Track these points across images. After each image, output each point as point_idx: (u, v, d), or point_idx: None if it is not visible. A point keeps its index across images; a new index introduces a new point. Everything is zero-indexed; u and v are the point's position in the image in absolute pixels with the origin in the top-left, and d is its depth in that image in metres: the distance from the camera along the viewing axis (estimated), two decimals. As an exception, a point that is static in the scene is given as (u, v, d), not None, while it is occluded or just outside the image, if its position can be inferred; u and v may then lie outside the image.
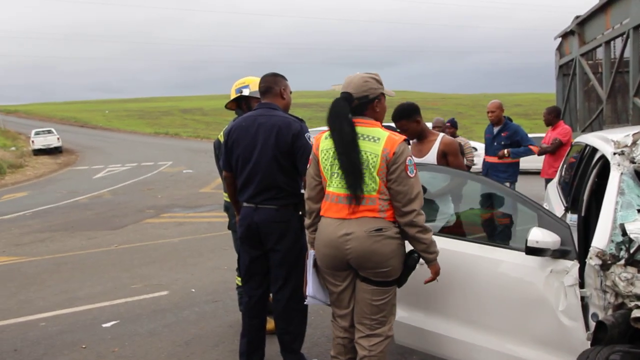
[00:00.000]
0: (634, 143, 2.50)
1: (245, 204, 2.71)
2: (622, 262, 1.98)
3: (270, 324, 3.48)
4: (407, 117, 3.24)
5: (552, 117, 5.73)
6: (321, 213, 2.32)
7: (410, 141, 3.32)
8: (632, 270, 1.95)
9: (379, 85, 2.31)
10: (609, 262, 2.00)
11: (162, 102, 72.23)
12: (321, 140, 2.32)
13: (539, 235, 2.11)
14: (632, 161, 2.40)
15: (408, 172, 2.17)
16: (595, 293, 2.04)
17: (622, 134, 2.63)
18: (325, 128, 2.30)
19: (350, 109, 2.23)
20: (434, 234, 2.30)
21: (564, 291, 2.16)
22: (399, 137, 2.22)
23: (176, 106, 62.66)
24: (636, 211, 2.13)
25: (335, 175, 2.25)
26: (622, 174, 2.34)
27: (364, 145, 2.19)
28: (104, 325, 3.84)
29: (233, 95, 3.34)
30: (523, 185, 6.70)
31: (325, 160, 2.28)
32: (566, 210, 3.27)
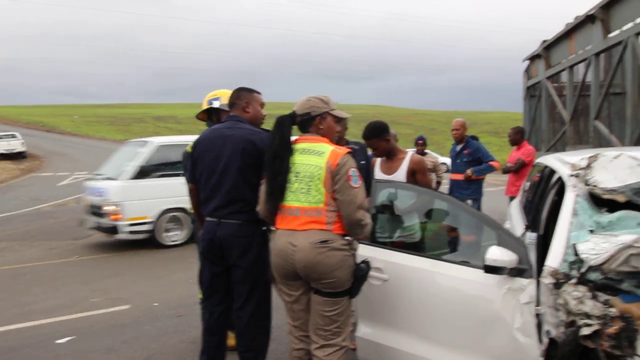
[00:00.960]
0: (589, 166, 2.60)
1: (208, 218, 2.67)
2: (574, 281, 2.04)
3: (232, 340, 3.43)
4: (378, 136, 3.30)
5: (518, 137, 5.91)
6: (276, 226, 2.43)
7: (379, 159, 3.38)
8: (582, 289, 2.00)
9: (324, 105, 2.47)
10: (562, 281, 2.06)
11: (135, 108, 71.00)
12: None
13: (497, 254, 2.16)
14: (587, 183, 2.50)
15: (351, 182, 2.30)
16: (549, 311, 2.09)
17: (578, 157, 2.74)
18: None
19: (294, 124, 2.42)
20: (398, 251, 2.43)
21: (520, 309, 2.21)
22: (343, 150, 2.37)
23: (150, 113, 61.67)
24: (588, 232, 2.20)
25: (287, 189, 2.36)
26: (576, 195, 2.43)
27: (310, 159, 2.34)
28: (58, 342, 3.69)
29: (204, 107, 3.32)
30: (489, 202, 6.86)
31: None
32: (526, 228, 3.36)
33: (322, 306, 2.33)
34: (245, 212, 2.58)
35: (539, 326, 2.15)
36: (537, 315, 2.14)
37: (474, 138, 5.85)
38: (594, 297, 1.96)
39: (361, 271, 2.38)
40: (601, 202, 2.41)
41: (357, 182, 2.32)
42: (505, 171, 5.81)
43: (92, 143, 34.25)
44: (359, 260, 2.44)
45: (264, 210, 2.46)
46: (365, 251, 2.73)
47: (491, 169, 5.22)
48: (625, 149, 2.97)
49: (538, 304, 2.14)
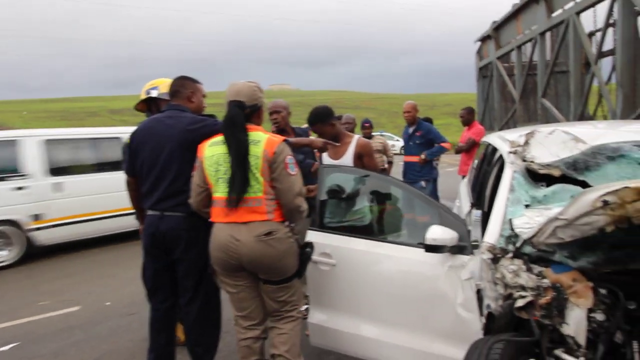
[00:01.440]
0: (526, 143, 2.67)
1: (149, 212, 2.57)
2: (510, 255, 2.09)
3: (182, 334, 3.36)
4: (322, 121, 3.27)
5: (469, 117, 6.03)
6: (212, 219, 2.39)
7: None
8: (518, 262, 2.05)
9: (262, 95, 2.49)
10: (499, 255, 2.10)
11: (89, 102, 68.13)
12: (206, 147, 2.38)
13: (437, 233, 2.19)
14: (524, 159, 2.56)
15: (288, 169, 2.32)
16: (488, 285, 2.14)
17: (517, 134, 2.81)
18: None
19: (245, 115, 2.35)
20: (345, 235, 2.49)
21: (462, 285, 2.25)
22: (278, 138, 2.37)
23: (104, 106, 59.43)
24: (524, 207, 2.26)
25: (222, 180, 2.32)
26: (514, 171, 2.48)
27: (249, 149, 2.31)
28: (1, 349, 3.51)
29: (142, 97, 3.19)
30: (445, 182, 6.99)
31: (210, 166, 2.34)
32: (472, 206, 3.43)
33: (275, 293, 2.40)
34: (186, 204, 2.50)
35: (480, 301, 2.20)
36: (479, 291, 2.19)
37: (428, 120, 5.92)
38: (529, 270, 2.01)
39: (306, 254, 2.48)
40: (539, 177, 2.48)
41: (294, 170, 2.35)
42: (458, 151, 5.94)
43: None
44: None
45: (198, 202, 2.41)
46: (313, 236, 2.72)
47: (443, 150, 5.30)
48: (563, 125, 3.07)
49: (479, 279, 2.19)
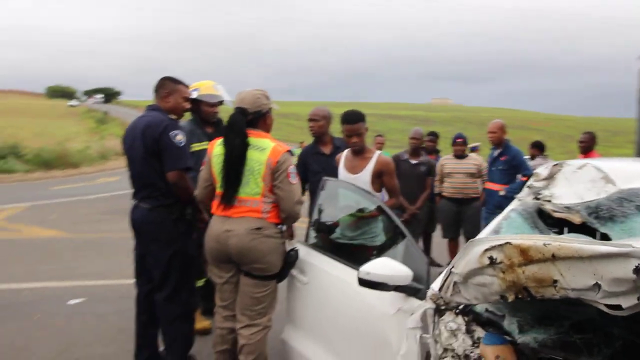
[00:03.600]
0: (551, 176, 2.15)
1: (132, 200, 2.81)
2: (457, 309, 1.69)
3: (200, 323, 3.52)
4: (363, 120, 3.03)
5: (589, 144, 5.06)
6: (212, 211, 2.55)
7: (345, 155, 3.13)
8: (459, 321, 1.65)
9: (268, 101, 2.58)
10: (442, 307, 1.72)
11: (263, 106, 75.66)
12: (215, 146, 2.55)
13: (373, 266, 1.87)
14: (537, 197, 2.06)
15: (290, 179, 2.46)
16: (432, 340, 1.77)
17: (550, 165, 2.27)
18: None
19: (246, 122, 2.48)
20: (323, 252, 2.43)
21: (406, 334, 1.90)
22: (283, 148, 2.50)
23: (277, 111, 65.47)
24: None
25: (221, 177, 2.48)
26: (511, 209, 2.03)
27: (252, 155, 2.44)
28: (70, 302, 4.14)
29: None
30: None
31: (217, 164, 2.50)
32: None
33: (252, 288, 2.48)
34: (154, 197, 2.63)
35: (427, 357, 1.82)
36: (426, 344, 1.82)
37: (540, 146, 5.16)
38: (468, 332, 1.61)
39: (290, 257, 2.52)
40: (554, 221, 1.97)
41: (295, 179, 2.48)
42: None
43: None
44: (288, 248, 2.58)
45: (203, 195, 2.61)
46: (301, 250, 2.61)
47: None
48: (599, 159, 2.36)
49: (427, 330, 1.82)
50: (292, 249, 2.55)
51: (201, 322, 3.54)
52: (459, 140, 5.04)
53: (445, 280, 1.45)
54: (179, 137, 2.64)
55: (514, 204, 2.04)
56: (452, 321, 1.67)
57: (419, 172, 4.87)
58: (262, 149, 2.44)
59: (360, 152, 3.04)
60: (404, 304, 1.94)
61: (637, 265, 0.88)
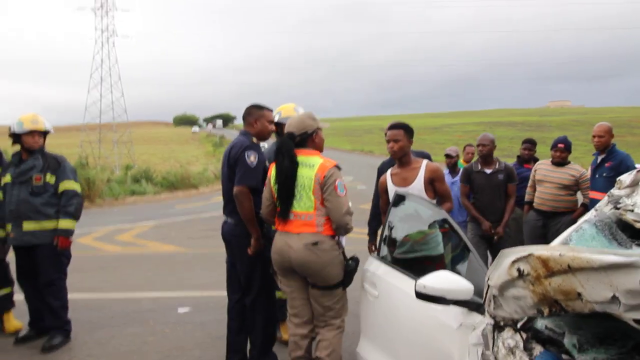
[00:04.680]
0: (635, 183, 1.93)
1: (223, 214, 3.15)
2: (516, 326, 1.61)
3: (287, 333, 3.69)
4: (406, 130, 3.16)
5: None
6: (276, 227, 2.79)
7: (389, 174, 3.15)
8: (518, 338, 1.57)
9: (314, 122, 2.79)
10: (501, 323, 1.64)
11: (364, 120, 76.67)
12: (273, 168, 2.79)
13: (431, 280, 1.84)
14: (616, 207, 1.87)
15: (338, 191, 2.62)
16: (492, 357, 1.70)
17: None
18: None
19: (295, 144, 2.72)
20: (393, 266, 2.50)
21: (469, 350, 1.83)
22: (330, 163, 2.68)
23: (377, 125, 65.71)
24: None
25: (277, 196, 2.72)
26: (585, 220, 1.86)
27: (302, 171, 2.67)
28: (179, 311, 4.60)
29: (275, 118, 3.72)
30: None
31: (275, 184, 2.74)
32: None
33: (320, 298, 2.67)
34: (237, 212, 2.91)
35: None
36: (489, 362, 1.75)
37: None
38: (527, 350, 1.52)
39: (350, 266, 2.70)
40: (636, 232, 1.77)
41: (342, 191, 2.65)
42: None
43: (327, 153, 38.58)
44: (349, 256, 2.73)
45: (266, 213, 2.84)
46: (372, 263, 2.66)
47: None
48: None
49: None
50: (352, 258, 2.72)
51: (287, 332, 3.72)
52: (560, 145, 4.48)
53: (486, 293, 1.40)
54: (252, 159, 2.91)
55: (589, 215, 1.87)
56: (510, 338, 1.59)
57: (497, 181, 4.32)
58: (311, 165, 2.66)
59: (406, 164, 3.08)
60: (466, 318, 1.89)
61: (643, 276, 0.79)
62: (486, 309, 1.63)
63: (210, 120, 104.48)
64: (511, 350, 1.56)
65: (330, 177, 2.62)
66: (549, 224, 4.43)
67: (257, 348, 3.04)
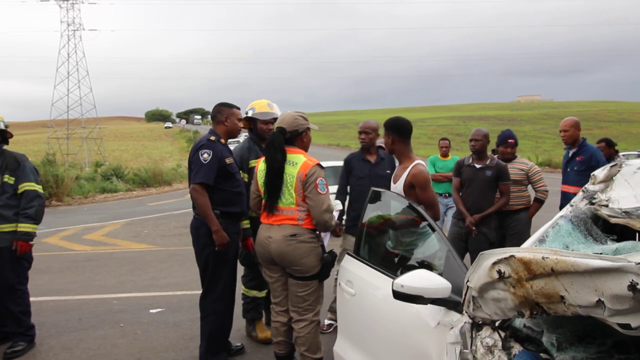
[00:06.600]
0: (608, 178, 1.94)
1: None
2: (494, 325, 1.58)
3: (263, 333, 3.64)
4: (376, 126, 3.48)
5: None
6: (260, 219, 2.91)
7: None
8: (496, 337, 1.54)
9: (305, 122, 2.90)
10: (479, 322, 1.62)
11: (339, 115, 76.92)
12: (260, 163, 2.92)
13: (408, 279, 1.80)
14: (592, 201, 1.88)
15: (318, 189, 2.71)
16: (471, 356, 1.67)
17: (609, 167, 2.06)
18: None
19: (284, 140, 2.80)
20: (369, 264, 2.46)
21: (446, 349, 1.81)
22: (312, 162, 2.76)
23: (352, 119, 66.04)
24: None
25: (264, 189, 2.84)
26: (560, 216, 1.85)
27: (287, 169, 2.77)
28: (151, 310, 4.47)
29: (242, 115, 3.63)
30: None
31: (262, 178, 2.87)
32: None
33: (296, 287, 2.79)
34: (194, 207, 3.04)
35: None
36: (467, 361, 1.72)
37: (611, 145, 4.62)
38: (505, 349, 1.50)
39: (326, 259, 2.80)
40: (610, 227, 1.78)
41: (323, 190, 2.73)
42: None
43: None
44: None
45: (253, 205, 2.99)
46: (348, 263, 2.62)
47: None
48: None
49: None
50: (329, 252, 2.83)
51: (264, 332, 3.67)
52: (511, 140, 4.30)
53: (465, 295, 1.37)
54: (205, 156, 2.96)
55: (564, 210, 1.87)
56: (489, 337, 1.57)
57: (483, 177, 4.03)
58: (295, 163, 2.76)
59: (401, 162, 3.06)
60: (444, 317, 1.86)
61: (631, 281, 0.76)
62: (465, 310, 1.60)
63: (184, 115, 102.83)
64: (490, 349, 1.54)
65: (312, 175, 2.71)
66: (506, 223, 4.22)
67: (203, 344, 3.17)
